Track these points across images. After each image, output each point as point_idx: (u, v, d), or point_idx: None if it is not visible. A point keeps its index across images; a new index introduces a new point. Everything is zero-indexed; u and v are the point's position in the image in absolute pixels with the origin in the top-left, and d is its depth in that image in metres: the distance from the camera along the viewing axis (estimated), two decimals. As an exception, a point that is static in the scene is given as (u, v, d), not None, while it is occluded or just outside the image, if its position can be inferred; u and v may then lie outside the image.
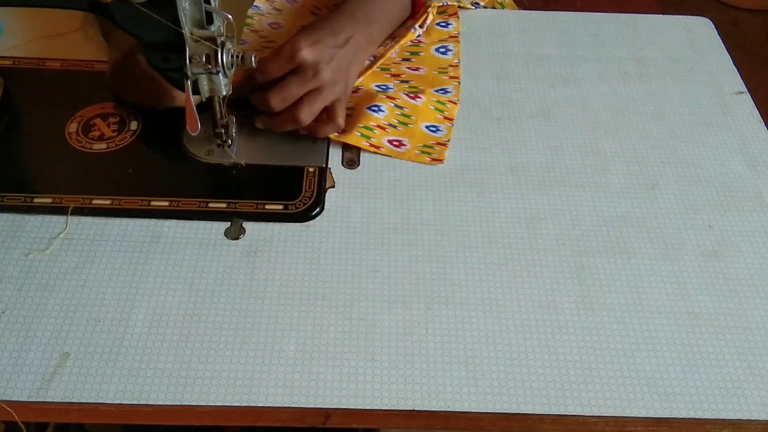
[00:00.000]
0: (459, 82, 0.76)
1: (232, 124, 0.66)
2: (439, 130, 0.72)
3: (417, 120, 0.72)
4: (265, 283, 0.59)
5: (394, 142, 0.70)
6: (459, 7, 0.86)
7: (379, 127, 0.71)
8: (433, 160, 0.70)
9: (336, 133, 0.70)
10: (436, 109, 0.74)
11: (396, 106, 0.73)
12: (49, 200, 0.63)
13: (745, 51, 1.95)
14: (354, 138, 0.69)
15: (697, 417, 0.54)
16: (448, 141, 0.71)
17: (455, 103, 0.75)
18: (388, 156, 0.70)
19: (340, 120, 0.68)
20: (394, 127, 0.71)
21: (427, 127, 0.72)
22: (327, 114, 0.68)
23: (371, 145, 0.70)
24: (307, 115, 0.66)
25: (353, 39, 0.70)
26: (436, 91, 0.75)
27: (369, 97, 0.73)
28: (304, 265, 0.61)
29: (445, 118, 0.74)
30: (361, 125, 0.70)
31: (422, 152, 0.70)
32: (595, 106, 0.77)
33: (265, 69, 0.65)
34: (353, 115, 0.72)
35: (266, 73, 0.65)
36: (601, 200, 0.67)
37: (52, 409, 0.52)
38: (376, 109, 0.72)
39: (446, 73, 0.77)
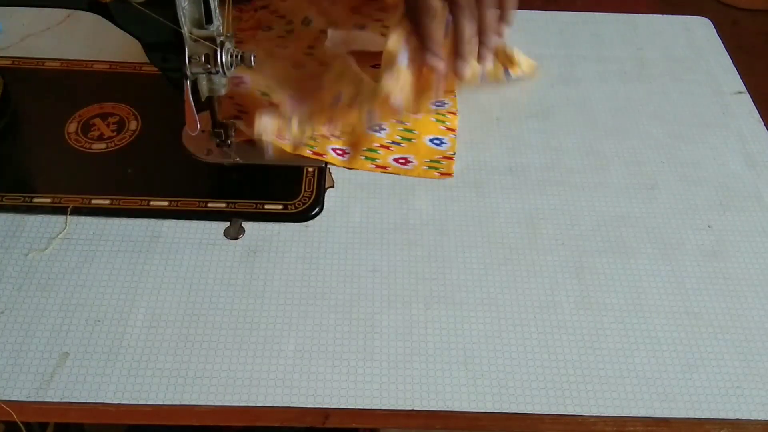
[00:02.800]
0: (455, 95, 0.75)
1: (232, 123, 0.66)
2: (443, 143, 0.71)
3: (420, 134, 0.71)
4: (264, 283, 0.59)
5: (400, 160, 0.69)
6: None
7: (382, 146, 0.70)
8: (442, 174, 0.69)
9: (341, 159, 0.69)
10: (437, 120, 0.73)
11: (397, 121, 0.72)
12: (49, 200, 0.63)
13: (745, 51, 1.95)
14: (359, 162, 0.69)
15: (696, 417, 0.54)
16: (454, 154, 0.70)
17: (454, 114, 0.74)
18: (396, 174, 0.69)
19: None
20: (398, 144, 0.70)
21: (431, 140, 0.71)
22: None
23: (377, 166, 0.69)
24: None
25: None
26: (434, 105, 0.74)
27: None
28: (303, 265, 0.61)
29: (448, 129, 0.72)
30: (365, 148, 0.69)
31: (430, 167, 0.69)
32: (595, 106, 0.77)
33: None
34: (354, 139, 0.71)
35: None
36: (600, 200, 0.67)
37: (51, 409, 0.52)
38: (377, 128, 0.71)
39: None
